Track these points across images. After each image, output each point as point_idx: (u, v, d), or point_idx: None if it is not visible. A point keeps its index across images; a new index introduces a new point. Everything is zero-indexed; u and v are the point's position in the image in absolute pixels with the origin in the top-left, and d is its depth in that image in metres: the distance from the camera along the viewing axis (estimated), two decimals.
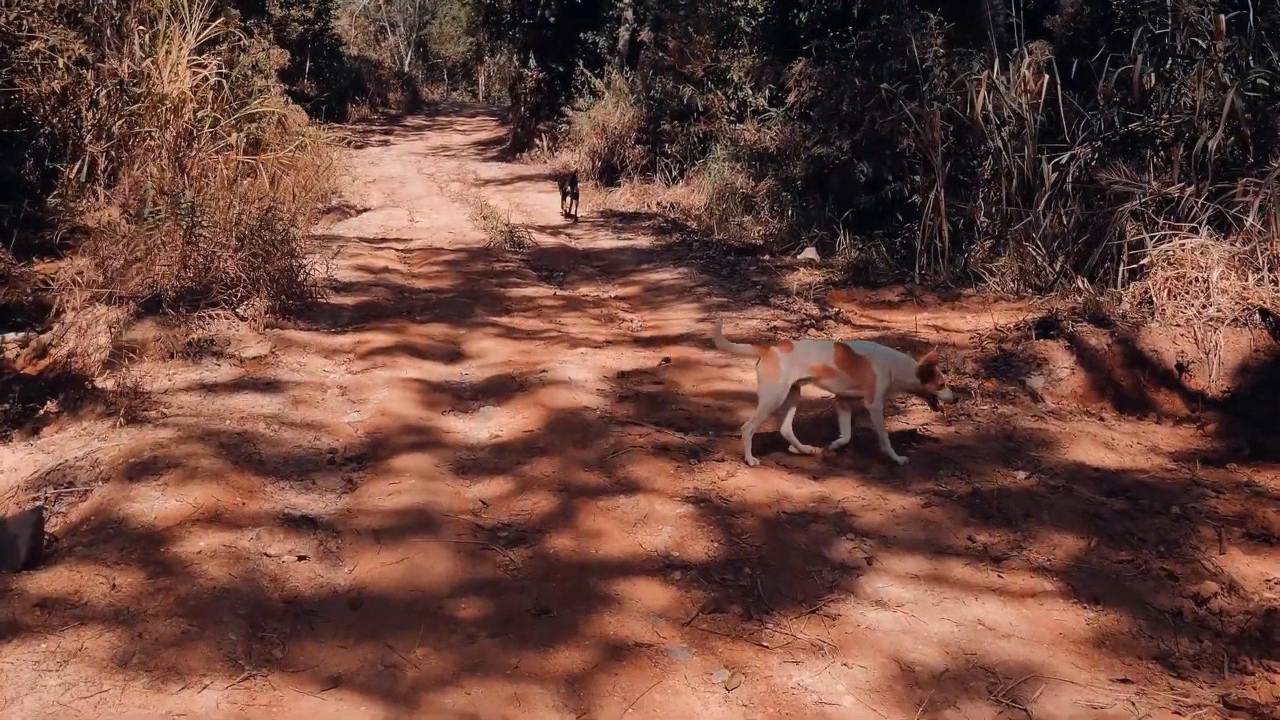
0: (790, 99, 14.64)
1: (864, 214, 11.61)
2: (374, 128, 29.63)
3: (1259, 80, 8.43)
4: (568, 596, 4.04)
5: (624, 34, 22.12)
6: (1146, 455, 5.59)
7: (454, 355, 7.51)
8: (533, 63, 23.29)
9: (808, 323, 8.20)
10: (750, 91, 16.85)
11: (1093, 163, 9.03)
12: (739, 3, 17.34)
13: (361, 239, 12.59)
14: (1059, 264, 8.78)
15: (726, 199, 15.17)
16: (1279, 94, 8.52)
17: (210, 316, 7.45)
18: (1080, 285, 8.16)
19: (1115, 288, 7.79)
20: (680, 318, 8.77)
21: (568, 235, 13.78)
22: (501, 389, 6.66)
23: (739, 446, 5.42)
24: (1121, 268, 8.15)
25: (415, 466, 5.29)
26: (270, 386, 6.47)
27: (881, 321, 8.31)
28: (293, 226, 10.05)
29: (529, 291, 9.75)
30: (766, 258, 11.26)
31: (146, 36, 10.75)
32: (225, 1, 23.36)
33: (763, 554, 4.39)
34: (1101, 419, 6.23)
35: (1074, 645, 3.76)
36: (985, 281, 9.30)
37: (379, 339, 7.62)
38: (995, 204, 10.07)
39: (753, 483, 5.09)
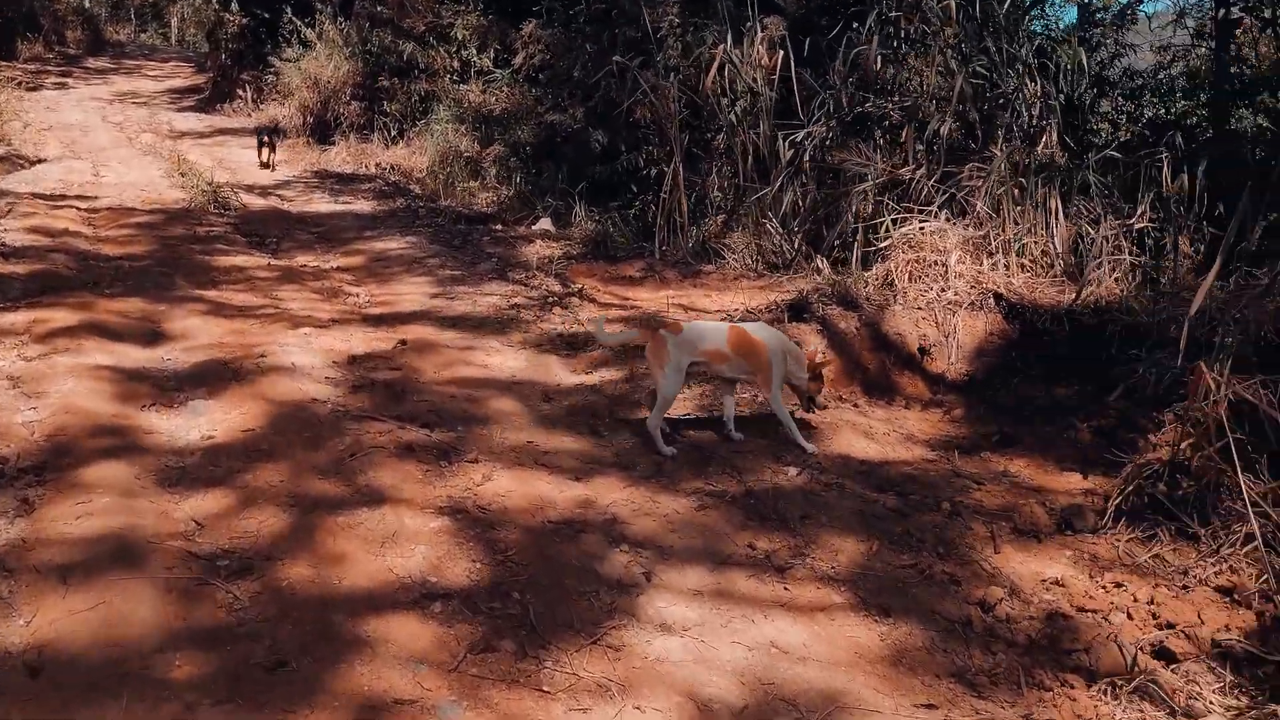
0: (518, 61, 14.08)
1: (599, 184, 11.26)
2: (49, 68, 26.50)
3: (978, 68, 8.65)
4: (309, 642, 3.37)
5: None
6: (905, 445, 5.50)
7: (153, 336, 6.48)
8: (235, 6, 21.38)
9: (551, 299, 7.72)
10: (475, 51, 16.15)
11: (828, 142, 9.03)
12: None
13: (36, 195, 10.97)
14: (797, 242, 8.73)
15: (451, 163, 14.44)
16: (997, 83, 8.80)
17: None
18: (819, 265, 8.12)
19: (855, 268, 7.79)
20: (413, 292, 8.07)
21: (279, 197, 12.62)
22: (213, 378, 5.75)
23: (650, 444, 5.03)
24: (856, 249, 8.19)
25: (111, 478, 4.36)
26: None
27: (627, 299, 7.96)
28: None
29: (239, 260, 8.73)
30: (499, 227, 10.67)
31: None
32: None
33: (532, 574, 3.89)
34: (856, 405, 6.14)
35: (872, 666, 3.51)
36: (724, 258, 9.15)
37: (60, 317, 6.44)
38: (730, 180, 9.96)
39: (511, 487, 4.57)
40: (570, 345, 6.66)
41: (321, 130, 17.28)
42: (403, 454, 4.78)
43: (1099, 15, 11.76)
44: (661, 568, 4.02)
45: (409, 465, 4.68)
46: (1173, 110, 11.23)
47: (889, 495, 4.72)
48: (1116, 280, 6.88)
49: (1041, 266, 7.17)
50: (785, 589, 3.93)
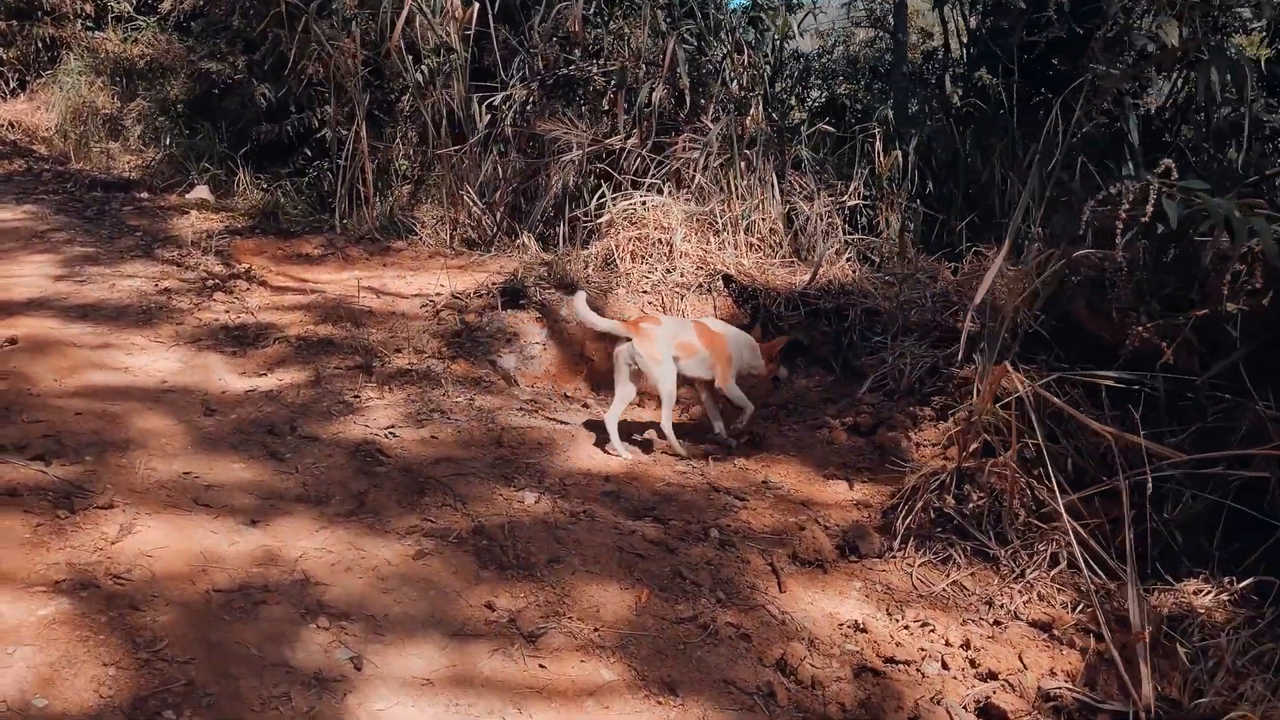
0: (166, 5, 12.16)
1: (265, 148, 9.76)
2: None
3: (687, 34, 8.03)
4: None
5: None
6: (649, 453, 4.72)
7: None
8: None
9: (212, 283, 6.34)
10: None
11: (528, 107, 8.12)
12: None
13: None
14: (499, 216, 7.79)
15: (85, 120, 12.40)
16: (705, 50, 8.23)
17: None
18: (525, 242, 7.22)
19: (568, 246, 6.96)
20: (30, 274, 6.43)
21: None
22: None
23: (663, 446, 4.72)
24: (563, 225, 7.37)
25: None
26: None
27: (306, 281, 6.71)
28: None
29: None
30: (145, 196, 8.97)
31: None
32: None
33: (193, 677, 2.74)
34: (586, 405, 5.30)
35: None
36: (416, 233, 8.07)
37: None
38: (418, 147, 8.86)
39: (162, 541, 3.35)
40: (238, 340, 5.37)
41: None
42: (1, 502, 3.44)
43: None
44: (376, 647, 2.99)
45: (10, 520, 3.34)
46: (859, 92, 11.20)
47: (647, 523, 3.90)
48: (848, 260, 6.43)
49: (770, 246, 6.62)
50: (541, 666, 3.00)
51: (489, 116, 8.05)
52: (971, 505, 3.72)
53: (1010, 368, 3.56)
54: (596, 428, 4.84)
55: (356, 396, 4.79)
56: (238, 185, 8.91)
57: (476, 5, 8.13)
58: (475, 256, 7.26)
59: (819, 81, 11.54)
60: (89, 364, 4.90)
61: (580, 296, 4.65)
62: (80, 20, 13.95)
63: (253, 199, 8.69)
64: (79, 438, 4.07)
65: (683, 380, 4.74)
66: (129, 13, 13.86)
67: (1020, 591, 3.44)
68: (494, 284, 6.07)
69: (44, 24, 13.99)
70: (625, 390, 4.69)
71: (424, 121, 8.35)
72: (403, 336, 5.48)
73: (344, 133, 8.67)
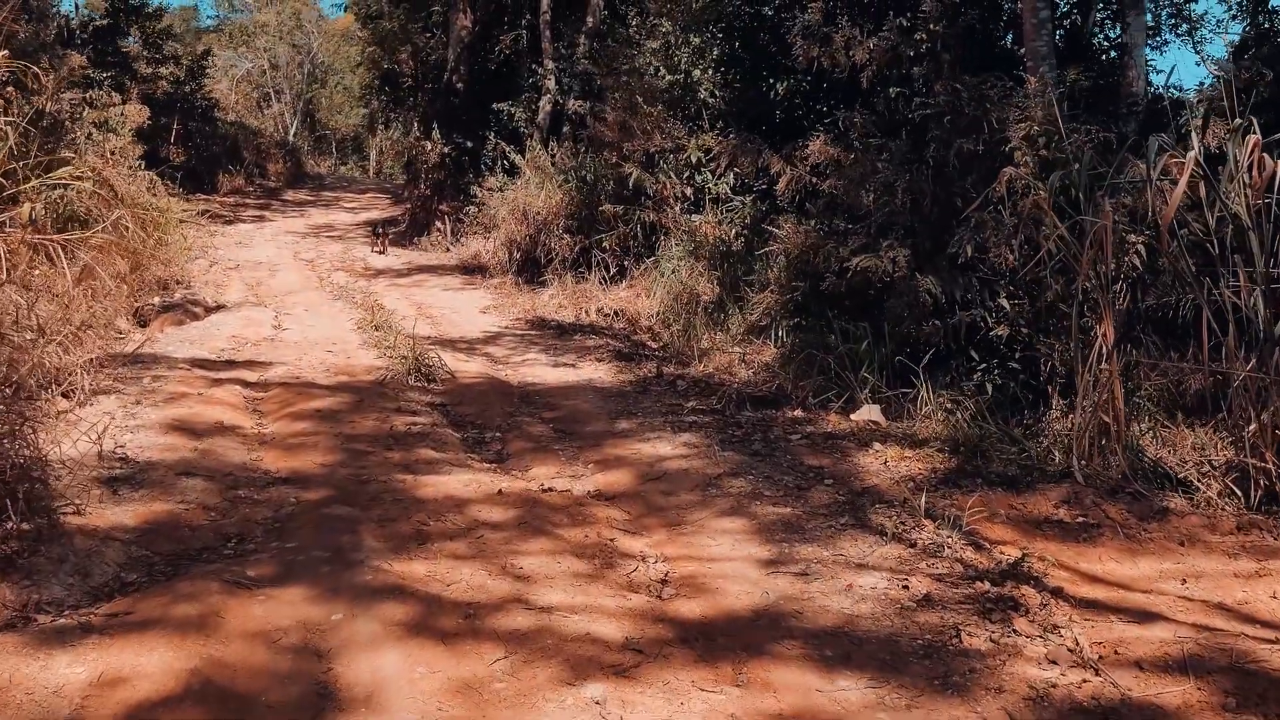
0: (781, 186, 10.94)
1: (915, 348, 7.83)
2: (248, 200, 25.09)
3: None
4: None
5: (545, 105, 18.30)
6: None
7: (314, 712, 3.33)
8: (436, 134, 19.20)
9: (987, 593, 4.24)
10: (710, 175, 13.21)
11: None
12: (695, 71, 13.75)
13: (196, 361, 8.30)
14: None
15: (685, 307, 11.50)
16: None
17: None
18: None
19: None
20: (731, 556, 4.78)
21: (491, 357, 9.68)
22: None
23: None
24: None
25: None
26: None
27: (1106, 586, 4.42)
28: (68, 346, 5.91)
29: (454, 484, 5.61)
30: (799, 415, 7.32)
31: None
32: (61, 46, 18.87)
33: None
34: None
35: None
36: (1188, 485, 5.59)
37: (148, 665, 3.36)
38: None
39: None
40: None
41: (531, 268, 14.57)
42: None
43: None
44: None
45: None
46: None
47: None
48: None
49: None
50: None
51: None
52: None
53: None
54: None
55: None
56: (919, 405, 6.96)
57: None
58: None
59: None
60: None
61: None
62: (681, 204, 13.37)
63: (937, 423, 6.71)
64: None
65: None
66: (727, 194, 13.05)
67: None
68: None
69: (646, 209, 13.56)
70: None
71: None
72: None
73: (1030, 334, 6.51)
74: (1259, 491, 5.38)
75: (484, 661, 3.60)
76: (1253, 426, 5.48)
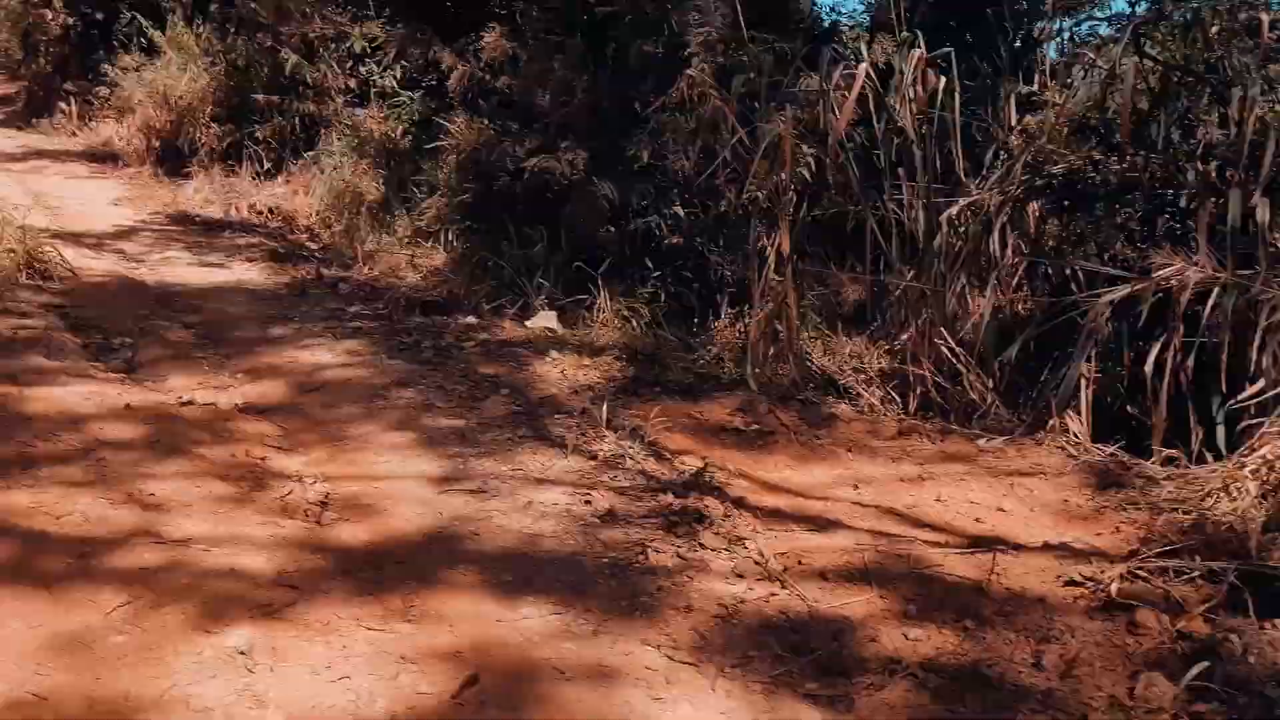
0: (453, 82, 10.28)
1: (593, 255, 7.60)
2: None
3: None
4: None
5: None
6: None
7: None
8: (58, 1, 16.71)
9: (672, 505, 4.07)
10: (375, 67, 12.27)
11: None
12: None
13: None
14: (1001, 377, 5.43)
15: (347, 206, 10.75)
16: None
17: None
18: (1067, 427, 4.81)
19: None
20: (399, 474, 4.34)
21: (124, 254, 8.49)
22: None
23: None
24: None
25: None
26: None
27: (787, 494, 4.39)
28: None
29: (71, 397, 4.75)
30: (474, 322, 6.89)
31: None
32: None
33: None
34: None
35: None
36: (852, 392, 5.75)
37: None
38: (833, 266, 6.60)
39: None
40: (822, 669, 3.02)
41: (173, 159, 13.04)
42: None
43: None
44: None
45: None
46: None
47: None
48: None
49: None
50: None
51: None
52: None
53: None
54: None
55: None
56: (597, 310, 6.73)
57: (942, 81, 5.84)
58: (972, 440, 4.89)
59: None
60: None
61: None
62: (344, 95, 12.35)
63: (611, 332, 6.54)
64: None
65: None
66: (394, 88, 12.17)
67: None
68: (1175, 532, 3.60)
69: (306, 100, 12.44)
70: None
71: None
72: (1068, 657, 3.07)
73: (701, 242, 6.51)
74: (915, 398, 5.62)
75: (100, 610, 2.98)
76: (909, 334, 5.70)
